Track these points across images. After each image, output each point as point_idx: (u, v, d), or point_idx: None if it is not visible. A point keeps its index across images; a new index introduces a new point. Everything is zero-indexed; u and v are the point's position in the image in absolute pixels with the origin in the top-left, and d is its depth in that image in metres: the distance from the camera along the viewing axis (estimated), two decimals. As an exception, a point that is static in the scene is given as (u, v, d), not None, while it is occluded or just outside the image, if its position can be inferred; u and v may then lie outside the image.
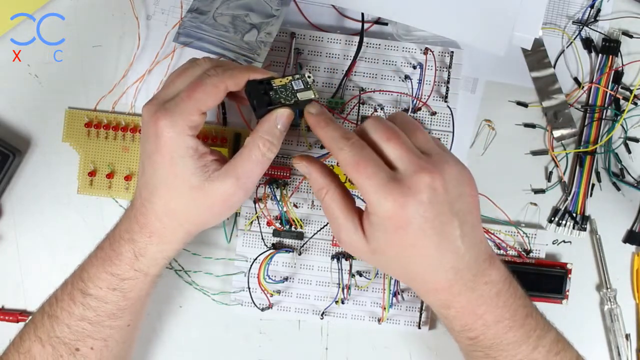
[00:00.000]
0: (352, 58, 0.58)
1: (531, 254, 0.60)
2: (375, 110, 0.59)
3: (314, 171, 0.47)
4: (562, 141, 0.60)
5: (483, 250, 0.46)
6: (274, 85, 0.48)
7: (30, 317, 0.51)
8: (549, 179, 0.61)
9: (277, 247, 0.59)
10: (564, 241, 0.60)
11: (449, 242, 0.44)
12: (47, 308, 0.49)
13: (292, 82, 0.49)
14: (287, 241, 0.59)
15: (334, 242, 0.59)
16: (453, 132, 0.59)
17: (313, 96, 0.49)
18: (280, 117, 0.47)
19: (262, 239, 0.59)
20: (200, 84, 0.46)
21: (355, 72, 0.59)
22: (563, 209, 0.60)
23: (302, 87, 0.49)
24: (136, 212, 0.48)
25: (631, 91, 0.60)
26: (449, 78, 0.59)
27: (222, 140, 0.59)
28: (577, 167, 0.60)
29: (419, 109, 0.59)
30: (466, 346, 0.48)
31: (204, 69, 0.48)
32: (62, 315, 0.48)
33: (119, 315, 0.49)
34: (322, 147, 0.59)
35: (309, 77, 0.49)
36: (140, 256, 0.48)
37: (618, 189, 0.60)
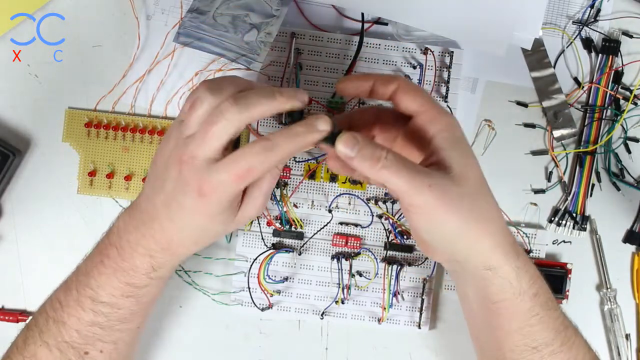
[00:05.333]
0: (352, 58, 0.58)
1: (531, 254, 0.60)
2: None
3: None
4: (562, 141, 0.60)
5: None
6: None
7: (30, 319, 0.50)
8: (549, 179, 0.61)
9: (277, 247, 0.59)
10: (564, 241, 0.60)
11: None
12: (51, 313, 0.48)
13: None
14: (287, 241, 0.59)
15: (334, 242, 0.59)
16: (453, 132, 0.59)
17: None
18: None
19: (262, 239, 0.59)
20: (217, 132, 0.42)
21: (355, 72, 0.59)
22: (563, 209, 0.60)
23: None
24: (152, 227, 0.46)
25: (631, 91, 0.60)
26: (449, 78, 0.59)
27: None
28: (577, 167, 0.60)
29: (419, 109, 0.59)
30: (527, 311, 0.46)
31: (223, 100, 0.42)
32: (71, 320, 0.47)
33: (131, 319, 0.48)
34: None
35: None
36: (158, 268, 0.47)
37: (618, 189, 0.60)
